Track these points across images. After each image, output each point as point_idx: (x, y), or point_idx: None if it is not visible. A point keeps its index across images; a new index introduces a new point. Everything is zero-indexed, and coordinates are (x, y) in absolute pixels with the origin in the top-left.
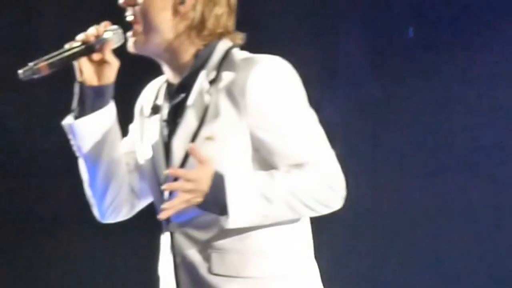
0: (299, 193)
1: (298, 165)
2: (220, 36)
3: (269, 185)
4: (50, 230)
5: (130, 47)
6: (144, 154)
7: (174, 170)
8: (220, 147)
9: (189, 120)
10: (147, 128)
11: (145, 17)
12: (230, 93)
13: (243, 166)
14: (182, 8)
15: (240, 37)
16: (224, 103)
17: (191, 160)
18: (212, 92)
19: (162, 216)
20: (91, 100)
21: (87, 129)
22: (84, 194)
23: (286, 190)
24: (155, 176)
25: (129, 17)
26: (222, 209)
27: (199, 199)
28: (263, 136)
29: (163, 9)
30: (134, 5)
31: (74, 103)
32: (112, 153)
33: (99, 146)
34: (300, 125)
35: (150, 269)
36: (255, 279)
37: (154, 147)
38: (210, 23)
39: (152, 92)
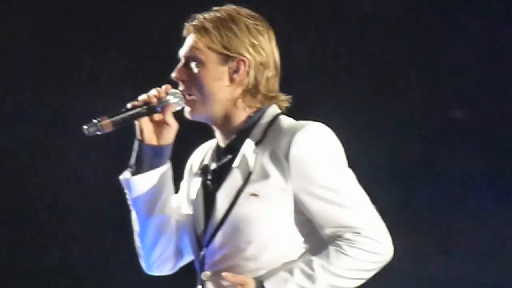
0: (342, 272)
1: (341, 230)
2: (271, 100)
3: (309, 277)
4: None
5: (187, 114)
6: (186, 210)
7: None
8: (264, 205)
9: (234, 178)
10: (191, 186)
11: (202, 88)
12: (275, 156)
13: (285, 227)
14: (236, 77)
15: (286, 99)
16: (269, 165)
17: (233, 213)
18: (258, 153)
19: None
20: (149, 159)
21: (143, 186)
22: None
23: (328, 276)
24: (193, 229)
25: (183, 89)
26: None
27: None
28: (306, 199)
29: (219, 79)
30: (187, 80)
31: (132, 160)
32: (165, 210)
33: (153, 203)
34: (342, 190)
35: None
36: None
37: (194, 202)
38: (262, 87)
39: (202, 153)
